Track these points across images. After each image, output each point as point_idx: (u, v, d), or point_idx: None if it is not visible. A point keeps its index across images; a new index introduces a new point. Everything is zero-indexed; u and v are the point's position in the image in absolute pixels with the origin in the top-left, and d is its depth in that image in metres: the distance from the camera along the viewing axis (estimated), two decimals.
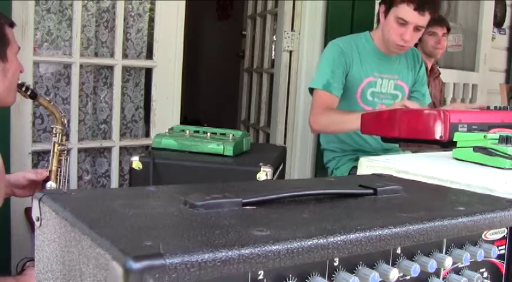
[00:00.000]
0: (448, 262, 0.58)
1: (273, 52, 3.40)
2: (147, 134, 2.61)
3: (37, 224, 0.59)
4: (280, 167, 1.75)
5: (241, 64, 4.42)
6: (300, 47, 3.00)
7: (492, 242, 0.67)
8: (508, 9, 4.12)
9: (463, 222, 0.60)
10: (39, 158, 2.25)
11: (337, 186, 0.80)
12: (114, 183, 2.45)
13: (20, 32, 2.02)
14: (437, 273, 0.61)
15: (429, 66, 3.15)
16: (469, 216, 0.61)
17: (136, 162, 1.48)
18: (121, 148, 2.48)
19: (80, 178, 2.40)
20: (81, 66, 2.32)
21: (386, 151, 2.30)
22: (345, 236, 0.50)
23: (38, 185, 1.56)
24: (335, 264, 0.51)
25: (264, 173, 1.45)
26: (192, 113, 5.09)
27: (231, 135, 1.65)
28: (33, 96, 1.60)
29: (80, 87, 2.33)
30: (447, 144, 1.15)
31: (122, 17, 2.41)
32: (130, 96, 2.57)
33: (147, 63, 2.54)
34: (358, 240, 0.51)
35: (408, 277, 0.57)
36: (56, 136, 1.65)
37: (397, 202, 0.67)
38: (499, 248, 0.67)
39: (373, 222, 0.54)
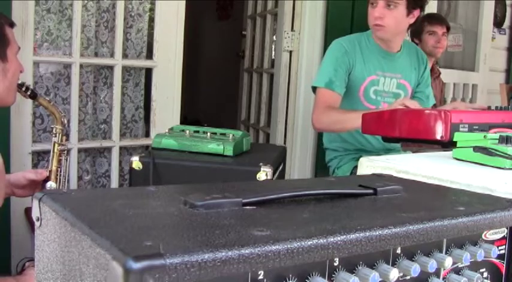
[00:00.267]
0: (448, 262, 0.58)
1: (273, 52, 3.41)
2: (147, 134, 2.61)
3: (37, 224, 0.59)
4: (280, 167, 1.75)
5: (241, 64, 4.42)
6: (300, 47, 3.00)
7: (492, 242, 0.67)
8: (508, 9, 4.12)
9: (463, 222, 0.60)
10: (39, 158, 2.25)
11: (337, 186, 0.80)
12: (114, 183, 2.45)
13: (20, 32, 2.02)
14: (437, 273, 0.61)
15: (430, 66, 3.15)
16: (469, 216, 0.61)
17: (136, 162, 1.48)
18: (121, 148, 2.48)
19: (80, 178, 2.40)
20: (81, 66, 2.32)
21: (388, 151, 2.30)
22: (345, 236, 0.50)
23: (38, 185, 1.56)
24: (335, 264, 0.51)
25: (264, 173, 1.45)
26: (192, 113, 5.09)
27: (231, 135, 1.65)
28: (33, 96, 1.60)
29: (80, 87, 2.33)
30: (447, 144, 1.15)
31: (122, 17, 2.41)
32: (130, 96, 2.57)
33: (147, 63, 2.54)
34: (358, 240, 0.51)
35: (408, 277, 0.57)
36: (56, 136, 1.65)
37: (397, 202, 0.67)
38: (499, 248, 0.67)
39: (373, 222, 0.54)
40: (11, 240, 2.09)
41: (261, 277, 0.47)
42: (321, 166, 2.58)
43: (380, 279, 0.52)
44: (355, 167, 2.21)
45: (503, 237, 0.68)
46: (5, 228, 2.07)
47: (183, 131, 1.71)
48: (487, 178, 0.94)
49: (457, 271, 0.63)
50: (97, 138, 2.46)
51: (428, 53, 3.10)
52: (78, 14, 2.26)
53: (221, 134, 1.70)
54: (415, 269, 0.55)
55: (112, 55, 2.43)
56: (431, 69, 3.19)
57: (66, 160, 1.67)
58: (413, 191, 0.76)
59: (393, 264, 0.56)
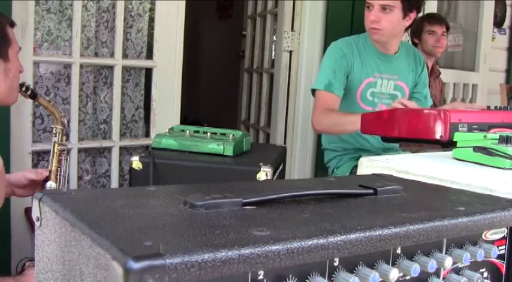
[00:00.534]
0: (448, 262, 0.58)
1: (273, 52, 3.41)
2: (147, 134, 2.61)
3: (37, 224, 0.59)
4: (280, 167, 1.75)
5: (241, 64, 4.42)
6: (300, 47, 3.00)
7: (492, 242, 0.67)
8: (508, 9, 4.12)
9: (463, 222, 0.60)
10: (39, 158, 2.25)
11: (337, 186, 0.80)
12: (114, 183, 2.45)
13: (20, 32, 2.02)
14: (437, 273, 0.61)
15: (430, 66, 3.15)
16: (469, 216, 0.61)
17: (136, 162, 1.48)
18: (121, 148, 2.48)
19: (80, 178, 2.40)
20: (81, 66, 2.32)
21: (387, 150, 2.31)
22: (345, 236, 0.50)
23: (38, 185, 1.56)
24: (335, 264, 0.51)
25: (264, 173, 1.45)
26: (192, 113, 5.08)
27: (231, 135, 1.65)
28: (33, 96, 1.60)
29: (80, 87, 2.33)
30: (447, 144, 1.15)
31: (122, 17, 2.41)
32: (130, 96, 2.57)
33: (147, 63, 2.54)
34: (358, 240, 0.51)
35: (408, 277, 0.57)
36: (56, 136, 1.65)
37: (397, 202, 0.67)
38: (499, 248, 0.67)
39: (373, 222, 0.54)
40: (11, 240, 2.09)
41: (261, 277, 0.47)
42: (321, 166, 2.58)
43: (380, 279, 0.52)
44: (354, 167, 2.21)
45: (503, 237, 0.68)
46: (5, 228, 2.07)
47: (183, 131, 1.71)
48: (487, 178, 0.94)
49: (457, 271, 0.63)
50: (97, 138, 2.46)
51: (428, 52, 3.10)
52: (78, 14, 2.26)
53: (221, 134, 1.70)
54: (415, 269, 0.55)
55: (112, 55, 2.43)
56: (431, 69, 3.19)
57: (66, 160, 1.67)
58: (413, 191, 0.76)
59: (393, 264, 0.56)
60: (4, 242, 2.07)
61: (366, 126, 1.40)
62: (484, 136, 1.11)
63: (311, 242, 0.47)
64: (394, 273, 0.53)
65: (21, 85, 1.54)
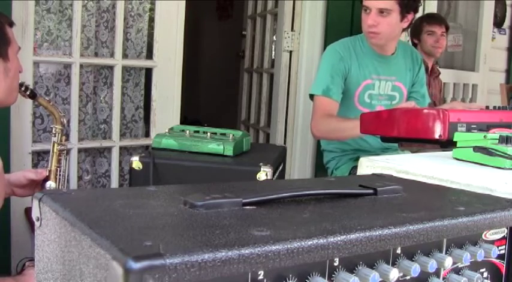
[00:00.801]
0: (448, 262, 0.58)
1: (273, 52, 3.41)
2: (147, 134, 2.61)
3: (37, 224, 0.59)
4: (280, 167, 1.75)
5: (241, 64, 4.42)
6: (300, 47, 3.00)
7: (492, 242, 0.67)
8: (508, 9, 4.12)
9: (463, 222, 0.60)
10: (39, 158, 2.25)
11: (337, 186, 0.80)
12: (114, 183, 2.45)
13: (20, 32, 2.03)
14: (437, 273, 0.61)
15: (430, 66, 3.15)
16: (469, 216, 0.61)
17: (136, 162, 1.48)
18: (121, 148, 2.48)
19: (80, 178, 2.40)
20: (81, 66, 2.32)
21: (385, 150, 2.30)
22: (345, 236, 0.50)
23: (37, 185, 1.56)
24: (335, 264, 0.51)
25: (264, 173, 1.45)
26: (192, 113, 5.08)
27: (231, 135, 1.65)
28: (33, 96, 1.60)
29: (80, 87, 2.33)
30: (447, 144, 1.15)
31: (122, 17, 2.41)
32: (130, 96, 2.57)
33: (147, 63, 2.54)
34: (358, 240, 0.51)
35: (408, 277, 0.57)
36: (55, 136, 1.65)
37: (397, 202, 0.67)
38: (499, 248, 0.67)
39: (373, 222, 0.54)
40: (11, 240, 2.09)
41: (261, 277, 0.47)
42: (321, 166, 2.58)
43: (380, 279, 0.52)
44: (354, 168, 2.22)
45: (503, 237, 0.68)
46: (5, 228, 2.07)
47: (183, 131, 1.71)
48: (487, 178, 0.94)
49: (457, 271, 0.63)
50: (97, 138, 2.46)
51: (427, 53, 3.10)
52: (78, 14, 2.26)
53: (221, 134, 1.70)
54: (415, 269, 0.55)
55: (112, 55, 2.43)
56: (431, 69, 3.19)
57: (66, 160, 1.67)
58: (413, 191, 0.76)
59: (393, 264, 0.56)
60: (4, 242, 2.07)
61: (365, 126, 1.41)
62: (484, 136, 1.11)
63: (311, 242, 0.47)
64: (394, 273, 0.53)
65: (21, 85, 1.54)
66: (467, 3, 4.00)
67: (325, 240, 0.48)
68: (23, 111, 2.11)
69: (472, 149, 1.09)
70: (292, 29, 3.01)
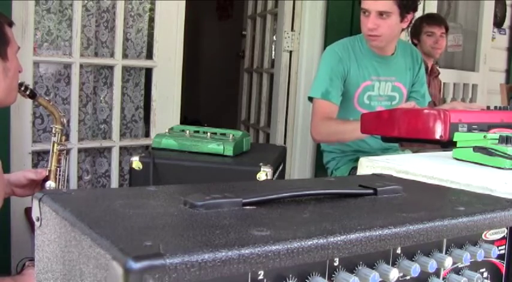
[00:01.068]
0: (448, 262, 0.58)
1: (273, 52, 3.41)
2: (147, 134, 2.61)
3: (37, 224, 0.59)
4: (280, 167, 1.75)
5: (241, 64, 4.42)
6: (300, 47, 3.00)
7: (492, 242, 0.67)
8: (508, 9, 4.13)
9: (463, 222, 0.60)
10: (39, 158, 2.25)
11: (337, 186, 0.80)
12: (114, 183, 2.45)
13: (20, 32, 2.02)
14: (437, 273, 0.61)
15: (429, 66, 3.15)
16: (469, 216, 0.61)
17: (136, 162, 1.48)
18: (121, 148, 2.48)
19: (80, 178, 2.40)
20: (81, 66, 2.32)
21: (385, 150, 2.30)
22: (345, 236, 0.50)
23: (37, 185, 1.56)
24: (335, 264, 0.51)
25: (264, 173, 1.45)
26: (192, 113, 5.08)
27: (231, 135, 1.65)
28: (32, 96, 1.60)
29: (80, 87, 2.33)
30: (447, 144, 1.15)
31: (122, 17, 2.41)
32: (130, 96, 2.57)
33: (147, 63, 2.54)
34: (358, 240, 0.51)
35: (408, 277, 0.57)
36: (55, 136, 1.65)
37: (397, 202, 0.67)
38: (499, 248, 0.67)
39: (373, 222, 0.54)
40: (11, 240, 2.09)
41: (261, 277, 0.47)
42: (321, 166, 2.58)
43: (380, 279, 0.52)
44: (353, 168, 2.21)
45: (503, 237, 0.68)
46: (5, 228, 2.07)
47: (183, 131, 1.71)
48: (487, 178, 0.94)
49: (457, 271, 0.63)
50: (97, 138, 2.46)
51: (427, 53, 3.10)
52: (78, 14, 2.26)
53: (221, 134, 1.70)
54: (415, 269, 0.55)
55: (112, 55, 2.43)
56: (431, 70, 3.19)
57: (66, 160, 1.67)
58: (413, 191, 0.76)
59: (393, 264, 0.56)
60: (4, 242, 2.07)
61: (366, 126, 1.40)
62: (484, 136, 1.11)
63: (311, 242, 0.47)
64: (394, 273, 0.53)
65: (20, 85, 1.54)
66: (467, 3, 4.00)
67: (325, 240, 0.48)
68: (23, 111, 2.11)
69: (472, 149, 1.09)
70: (292, 29, 3.01)
